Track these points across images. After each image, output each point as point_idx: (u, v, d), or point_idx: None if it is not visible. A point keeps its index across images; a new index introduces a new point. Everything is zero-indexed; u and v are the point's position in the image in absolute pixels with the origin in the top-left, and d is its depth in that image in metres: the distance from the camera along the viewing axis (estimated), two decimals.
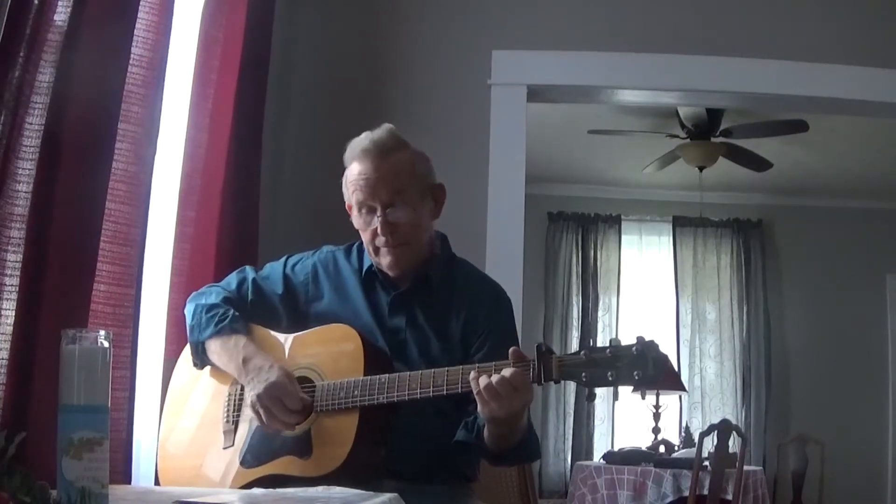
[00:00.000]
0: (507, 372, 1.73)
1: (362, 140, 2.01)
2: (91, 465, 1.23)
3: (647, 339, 1.70)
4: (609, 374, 1.70)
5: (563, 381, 1.76)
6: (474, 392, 1.75)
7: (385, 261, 2.00)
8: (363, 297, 2.06)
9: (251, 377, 1.92)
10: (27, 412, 1.75)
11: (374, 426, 1.86)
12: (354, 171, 2.00)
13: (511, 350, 1.77)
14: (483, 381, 1.73)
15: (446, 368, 1.82)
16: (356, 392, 1.85)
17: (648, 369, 1.67)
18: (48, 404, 1.44)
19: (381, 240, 1.98)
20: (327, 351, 1.96)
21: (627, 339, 1.72)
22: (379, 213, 1.96)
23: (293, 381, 1.90)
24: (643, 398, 1.74)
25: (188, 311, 2.09)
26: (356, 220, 2.02)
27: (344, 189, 2.05)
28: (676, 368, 6.81)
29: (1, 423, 1.68)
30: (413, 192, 1.99)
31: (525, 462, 2.35)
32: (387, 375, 1.85)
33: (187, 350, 2.12)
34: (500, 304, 2.08)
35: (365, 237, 2.02)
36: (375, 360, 1.91)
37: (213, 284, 2.17)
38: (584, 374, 1.72)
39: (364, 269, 2.07)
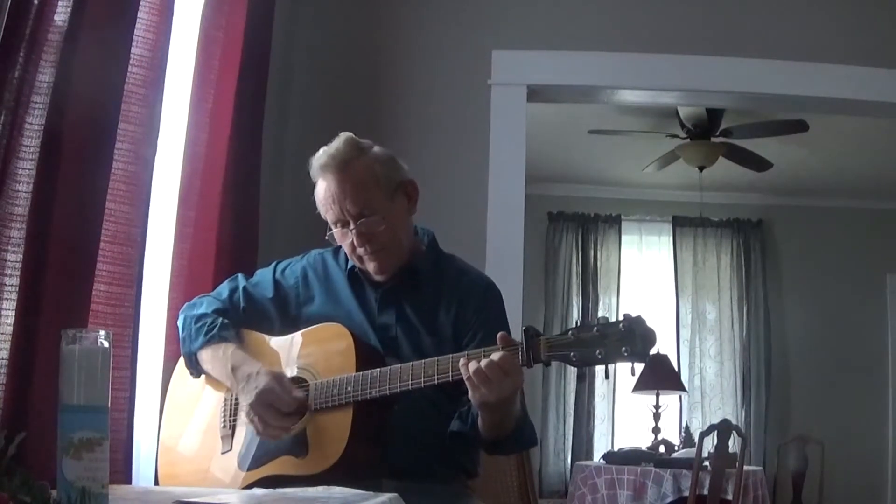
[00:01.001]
0: (495, 356, 1.73)
1: (320, 157, 2.00)
2: (91, 465, 1.23)
3: (633, 314, 1.70)
4: (598, 352, 1.70)
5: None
6: (464, 377, 1.75)
7: (370, 267, 2.01)
8: (352, 296, 2.06)
9: (241, 386, 1.92)
10: (27, 412, 1.75)
11: (368, 422, 1.86)
12: (320, 190, 2.00)
13: (499, 335, 1.77)
14: (472, 366, 1.73)
15: (436, 358, 1.82)
16: (349, 388, 1.85)
17: (636, 345, 1.67)
18: (48, 404, 1.44)
19: (360, 250, 1.99)
20: (320, 350, 1.96)
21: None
22: (352, 227, 1.97)
23: (283, 382, 1.90)
24: (633, 374, 1.73)
25: (179, 323, 2.11)
26: (335, 234, 2.02)
27: (318, 207, 2.04)
28: (676, 368, 6.81)
29: (1, 423, 1.68)
30: (381, 198, 1.98)
31: (521, 449, 2.34)
32: (378, 370, 1.85)
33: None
34: (489, 297, 2.08)
35: (346, 249, 2.03)
36: (367, 357, 1.92)
37: (204, 295, 2.18)
38: (572, 353, 1.71)
39: (348, 269, 2.08)
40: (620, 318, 1.71)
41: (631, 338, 1.68)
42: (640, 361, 1.69)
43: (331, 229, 2.03)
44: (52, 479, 1.24)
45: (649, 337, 1.69)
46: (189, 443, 2.05)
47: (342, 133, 2.03)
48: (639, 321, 1.69)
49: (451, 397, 1.94)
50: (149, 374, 2.37)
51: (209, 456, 2.00)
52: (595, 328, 1.71)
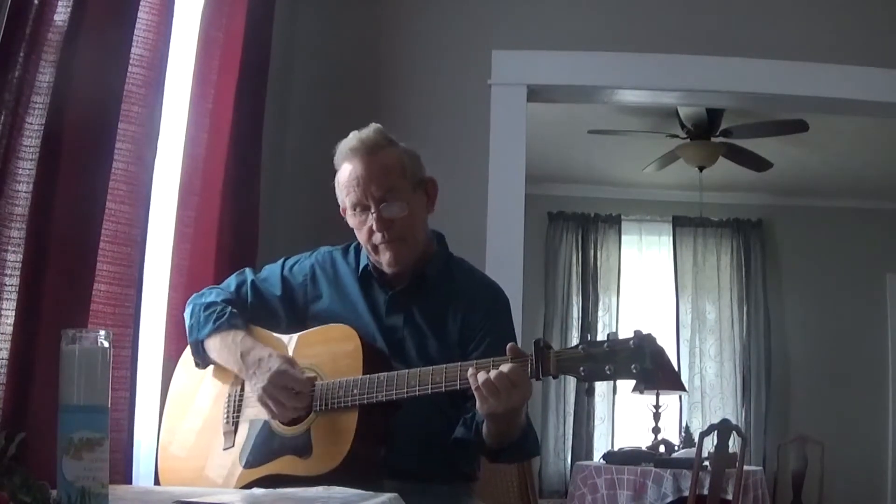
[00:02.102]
0: (504, 368, 1.73)
1: (350, 140, 2.01)
2: (91, 465, 1.23)
3: (644, 332, 1.70)
4: (607, 368, 1.69)
5: (563, 379, 1.77)
6: (472, 388, 1.75)
7: (384, 258, 2.00)
8: (361, 297, 2.06)
9: (252, 371, 1.92)
10: (27, 412, 1.75)
11: (373, 425, 1.86)
12: (345, 173, 2.01)
13: (508, 346, 1.76)
14: (481, 377, 1.73)
15: (444, 366, 1.82)
16: (355, 391, 1.85)
17: (646, 362, 1.67)
18: (48, 404, 1.44)
19: (377, 237, 1.98)
20: (327, 351, 1.96)
21: (626, 334, 1.72)
22: (373, 210, 1.96)
23: (294, 364, 1.91)
24: (641, 392, 1.74)
25: (187, 312, 2.10)
26: (351, 220, 2.02)
27: (337, 192, 2.04)
28: (676, 368, 6.81)
29: (1, 423, 1.68)
30: (404, 187, 2.00)
31: (523, 459, 2.35)
32: (385, 374, 1.85)
33: (187, 352, 2.12)
34: (498, 303, 2.09)
35: (361, 237, 2.02)
36: (374, 360, 1.91)
37: (212, 287, 2.18)
38: (581, 368, 1.71)
39: (361, 268, 2.07)
40: (630, 334, 1.70)
41: (641, 355, 1.67)
42: (649, 378, 1.69)
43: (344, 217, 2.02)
44: (52, 479, 1.24)
45: (659, 355, 1.68)
46: (191, 438, 2.05)
47: (372, 123, 2.05)
48: (649, 339, 1.69)
49: (456, 402, 1.94)
50: (149, 374, 2.37)
51: (211, 452, 2.00)
52: (605, 344, 1.71)
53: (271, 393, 1.87)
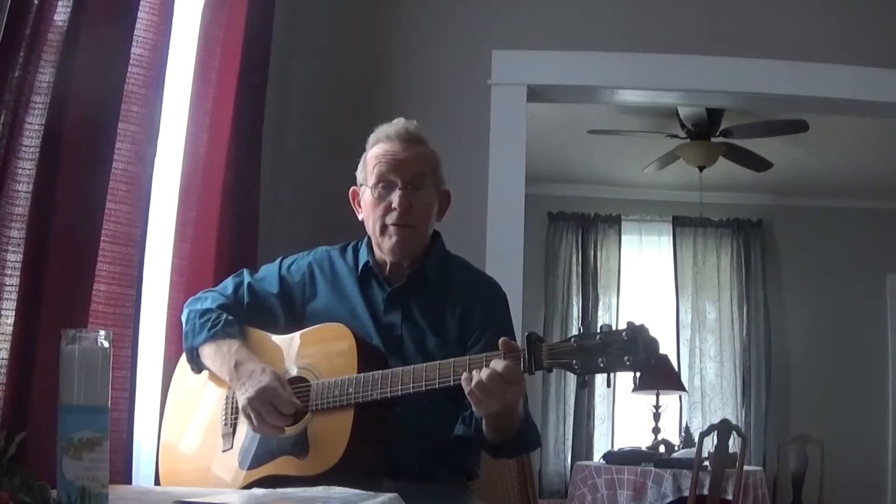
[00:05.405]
0: (497, 365, 1.73)
1: (395, 124, 2.06)
2: (91, 465, 1.23)
3: (637, 323, 1.69)
4: (600, 360, 1.69)
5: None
6: (466, 392, 1.75)
7: (390, 242, 2.01)
8: (359, 295, 2.06)
9: (243, 381, 1.92)
10: (27, 412, 1.75)
11: (369, 423, 1.86)
12: (380, 149, 2.04)
13: (501, 340, 1.76)
14: (474, 378, 1.73)
15: (438, 362, 1.82)
16: (350, 389, 1.85)
17: (639, 353, 1.66)
18: (48, 404, 1.44)
19: (393, 216, 1.99)
20: (322, 350, 1.96)
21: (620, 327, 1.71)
22: (400, 187, 1.99)
23: (285, 384, 1.91)
24: (635, 384, 1.73)
25: (183, 317, 2.10)
26: (368, 196, 2.03)
27: (360, 167, 2.07)
28: (676, 368, 6.80)
29: (1, 423, 1.68)
30: (432, 182, 2.05)
31: (525, 452, 2.34)
32: (380, 372, 1.85)
33: None
34: (496, 299, 2.09)
35: (374, 215, 2.03)
36: (370, 358, 1.91)
37: (209, 290, 2.17)
38: (575, 361, 1.71)
39: (360, 267, 2.08)
40: (623, 326, 1.70)
41: (634, 347, 1.66)
42: (643, 370, 1.69)
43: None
44: (52, 479, 1.24)
45: (652, 346, 1.67)
46: (190, 441, 2.05)
47: (413, 120, 2.11)
48: (642, 330, 1.68)
49: (454, 399, 1.93)
50: (149, 374, 2.38)
51: (210, 454, 2.00)
52: (598, 336, 1.70)
53: (255, 406, 1.87)
